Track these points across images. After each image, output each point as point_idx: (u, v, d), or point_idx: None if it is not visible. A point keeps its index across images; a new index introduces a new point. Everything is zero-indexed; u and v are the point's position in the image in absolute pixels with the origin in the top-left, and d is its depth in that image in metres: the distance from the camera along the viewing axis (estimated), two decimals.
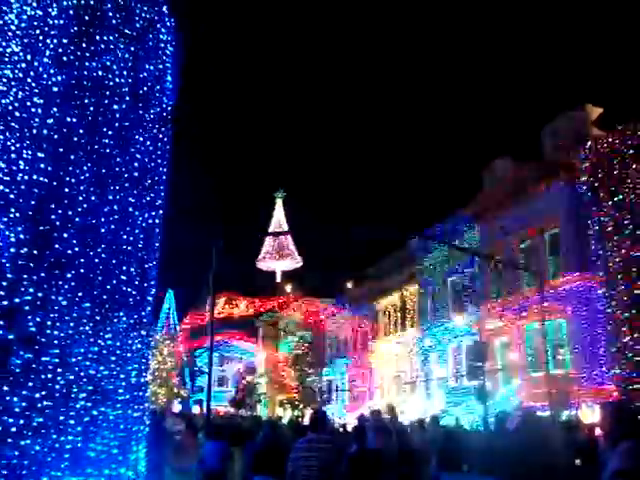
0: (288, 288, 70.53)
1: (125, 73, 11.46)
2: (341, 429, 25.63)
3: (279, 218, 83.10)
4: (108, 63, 11.19)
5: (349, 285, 64.98)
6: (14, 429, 8.25)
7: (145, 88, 11.97)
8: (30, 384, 8.47)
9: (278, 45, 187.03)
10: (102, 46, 11.13)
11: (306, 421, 28.54)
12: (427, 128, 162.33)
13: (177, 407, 50.40)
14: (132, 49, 11.79)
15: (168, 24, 12.30)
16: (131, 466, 10.19)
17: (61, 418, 8.86)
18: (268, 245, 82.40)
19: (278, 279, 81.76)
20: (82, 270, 9.18)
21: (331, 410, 53.18)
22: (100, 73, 10.89)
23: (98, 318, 9.25)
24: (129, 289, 9.74)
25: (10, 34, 11.77)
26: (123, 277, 9.71)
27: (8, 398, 8.26)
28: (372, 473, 10.81)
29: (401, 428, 16.16)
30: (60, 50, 10.48)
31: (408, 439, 14.84)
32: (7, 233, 8.75)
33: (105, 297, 9.43)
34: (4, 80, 11.15)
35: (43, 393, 8.60)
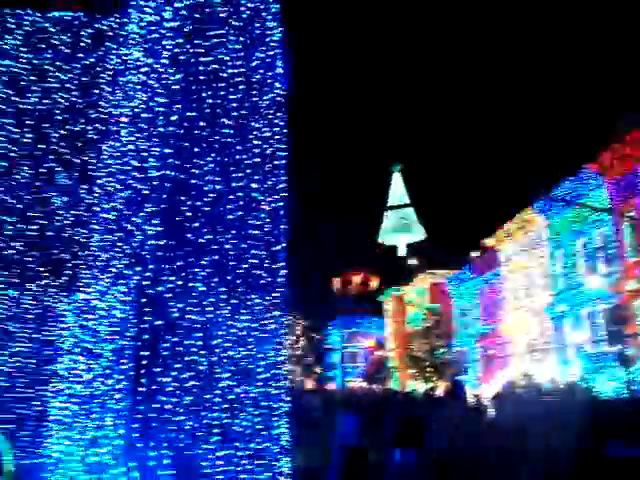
0: (412, 261, 70.02)
1: (238, 64, 11.88)
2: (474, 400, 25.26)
3: (398, 191, 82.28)
4: (220, 56, 11.65)
5: (475, 254, 63.55)
6: (169, 406, 8.90)
7: (257, 76, 12.34)
8: (178, 365, 9.09)
9: (393, 20, 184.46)
10: (214, 40, 11.57)
11: (439, 392, 28.44)
12: (552, 81, 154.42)
13: (311, 384, 51.86)
14: (242, 39, 12.16)
15: (274, 10, 12.54)
16: (274, 441, 10.69)
17: (207, 397, 9.44)
18: (389, 219, 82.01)
19: (402, 253, 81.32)
20: (215, 257, 9.67)
21: (464, 381, 52.58)
22: (214, 67, 11.36)
23: (234, 302, 9.72)
24: (260, 272, 10.14)
25: (132, 42, 12.54)
26: (253, 261, 10.11)
27: (159, 379, 8.91)
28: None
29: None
30: (176, 50, 11.01)
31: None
32: (145, 227, 9.39)
33: (238, 281, 9.88)
34: (130, 85, 11.92)
35: (190, 374, 9.20)
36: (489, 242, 59.50)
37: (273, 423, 10.72)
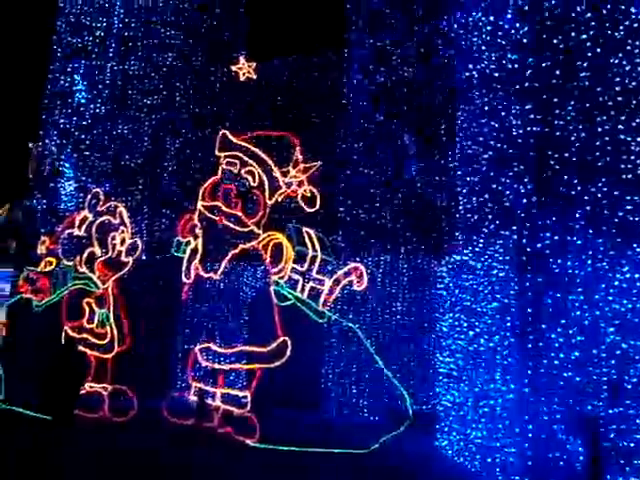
0: None
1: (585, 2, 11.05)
2: None
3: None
4: None
5: None
6: (557, 362, 8.94)
7: (608, 6, 11.32)
8: (562, 321, 9.03)
9: None
10: None
11: None
12: None
13: None
14: None
15: None
16: None
17: (594, 352, 9.16)
18: None
19: None
20: (588, 207, 9.29)
21: None
22: (560, 10, 10.74)
23: (613, 253, 9.24)
24: (638, 218, 9.41)
25: (468, 4, 12.59)
26: (629, 207, 9.43)
27: (547, 335, 8.99)
28: None
29: None
30: (520, 2, 10.69)
31: None
32: (515, 186, 9.45)
33: (614, 231, 9.34)
34: (474, 47, 11.99)
35: (575, 329, 9.06)
36: None
37: None
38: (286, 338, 11.93)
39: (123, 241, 14.05)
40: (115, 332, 13.92)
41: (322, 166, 13.04)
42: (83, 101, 19.04)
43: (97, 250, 14.16)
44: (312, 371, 15.33)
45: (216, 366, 13.23)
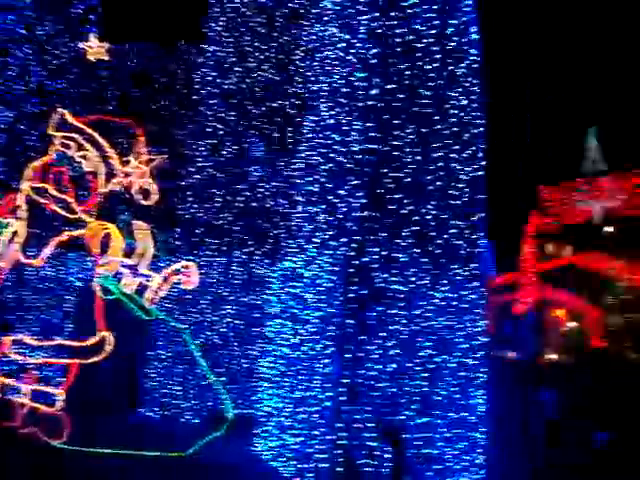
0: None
1: (432, 32, 11.68)
2: None
3: (593, 154, 76.55)
4: (415, 26, 11.52)
5: None
6: (373, 373, 9.24)
7: (452, 44, 12.06)
8: (382, 334, 9.37)
9: None
10: (409, 11, 11.46)
11: None
12: None
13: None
14: (435, 7, 11.92)
15: None
16: (472, 411, 10.65)
17: (409, 365, 9.64)
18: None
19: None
20: (416, 227, 9.76)
21: None
22: (410, 37, 11.28)
23: (435, 272, 9.77)
24: (460, 242, 10.07)
25: (326, 18, 12.84)
26: (453, 231, 10.06)
27: (366, 346, 9.26)
28: None
29: None
30: (373, 24, 11.08)
31: None
32: (349, 199, 9.71)
33: (439, 252, 9.90)
34: (327, 61, 12.25)
35: (393, 342, 9.44)
36: None
37: (471, 393, 10.70)
38: (106, 333, 11.30)
39: None
40: None
41: (165, 160, 12.64)
42: None
43: None
44: (134, 370, 14.75)
45: (28, 360, 12.27)
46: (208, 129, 15.98)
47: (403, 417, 9.56)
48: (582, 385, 15.82)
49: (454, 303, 9.98)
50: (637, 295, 21.20)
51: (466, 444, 10.44)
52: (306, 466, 9.88)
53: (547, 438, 13.18)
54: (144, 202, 11.85)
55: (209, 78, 16.53)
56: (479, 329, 10.74)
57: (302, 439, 10.12)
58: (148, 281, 11.04)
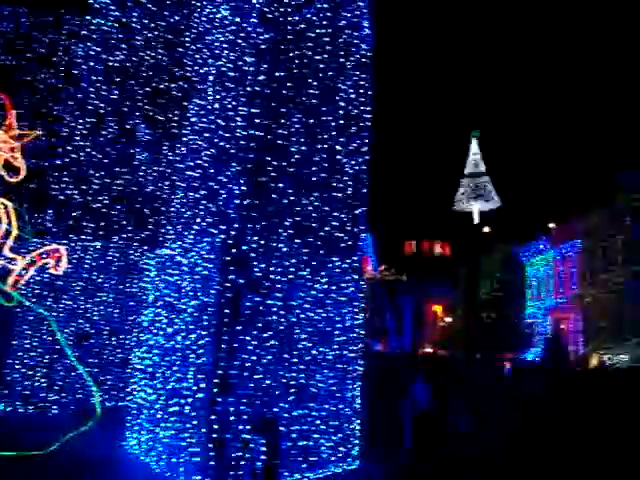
0: (486, 229, 68.66)
1: (325, 23, 11.65)
2: None
3: (475, 158, 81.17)
4: (308, 15, 11.44)
5: (551, 225, 61.49)
6: (248, 364, 9.04)
7: (344, 37, 12.10)
8: (259, 325, 9.19)
9: None
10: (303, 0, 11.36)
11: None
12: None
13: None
14: None
15: None
16: (348, 403, 10.75)
17: (285, 356, 9.53)
18: (465, 186, 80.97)
19: (476, 221, 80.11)
20: (297, 218, 9.65)
21: (532, 354, 51.49)
22: (302, 26, 11.18)
23: (314, 264, 9.70)
24: (342, 235, 10.07)
25: (219, 0, 12.47)
26: (335, 223, 10.04)
27: (241, 337, 9.03)
28: None
29: None
30: (265, 9, 10.85)
31: None
32: (230, 186, 9.43)
33: (319, 243, 9.84)
34: (216, 44, 11.89)
35: (270, 333, 9.29)
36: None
37: (348, 385, 10.79)
38: None
39: None
40: None
41: (39, 136, 11.79)
42: None
43: None
44: None
45: None
46: (89, 107, 15.15)
47: (278, 409, 9.43)
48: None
49: (333, 295, 9.97)
50: None
51: (341, 435, 10.52)
52: (176, 460, 9.55)
53: (419, 428, 13.55)
54: (11, 179, 10.99)
55: (92, 52, 15.67)
56: (357, 322, 10.84)
57: (173, 432, 9.78)
58: (12, 264, 10.25)
